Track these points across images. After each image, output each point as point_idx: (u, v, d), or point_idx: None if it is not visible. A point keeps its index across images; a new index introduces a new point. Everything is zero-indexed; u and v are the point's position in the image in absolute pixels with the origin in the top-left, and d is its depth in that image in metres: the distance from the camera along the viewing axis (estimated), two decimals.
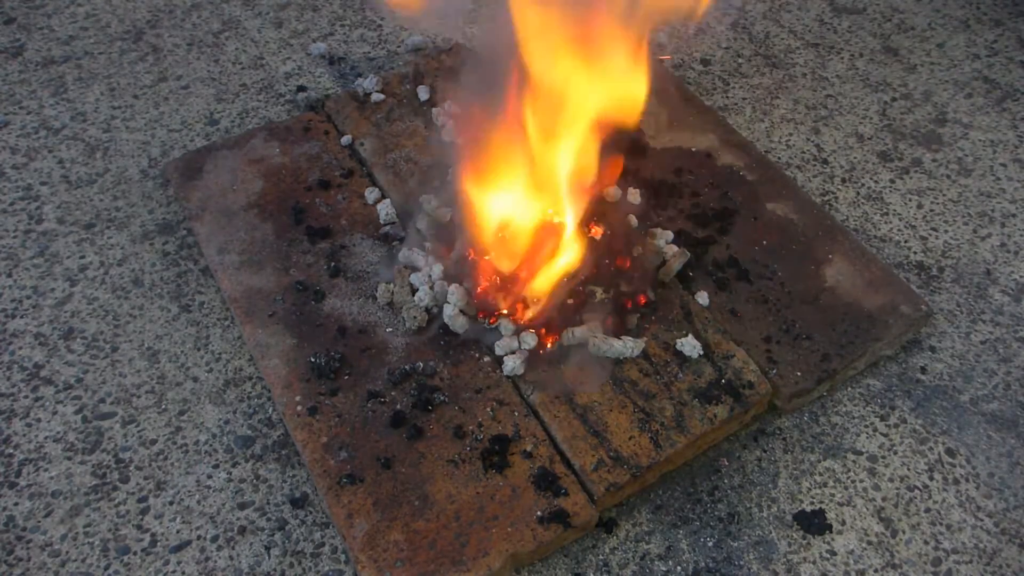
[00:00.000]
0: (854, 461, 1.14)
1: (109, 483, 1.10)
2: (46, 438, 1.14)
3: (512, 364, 1.13)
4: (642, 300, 1.21)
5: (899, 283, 1.27)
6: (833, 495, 1.11)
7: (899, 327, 1.22)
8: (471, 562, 0.97)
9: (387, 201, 1.35)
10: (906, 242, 1.40)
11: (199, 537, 1.05)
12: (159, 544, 1.05)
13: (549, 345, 1.16)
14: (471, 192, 1.14)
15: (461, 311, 1.17)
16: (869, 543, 1.06)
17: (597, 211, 1.24)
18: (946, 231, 1.42)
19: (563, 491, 1.03)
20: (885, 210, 1.45)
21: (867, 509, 1.09)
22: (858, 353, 1.19)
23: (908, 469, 1.13)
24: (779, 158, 1.52)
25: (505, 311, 1.16)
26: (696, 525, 1.07)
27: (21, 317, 1.26)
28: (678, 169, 1.40)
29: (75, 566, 1.02)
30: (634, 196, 1.33)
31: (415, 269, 1.24)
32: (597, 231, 1.22)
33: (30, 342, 1.23)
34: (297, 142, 1.45)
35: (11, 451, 1.12)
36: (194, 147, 1.50)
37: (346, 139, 1.46)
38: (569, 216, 1.17)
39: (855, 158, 1.53)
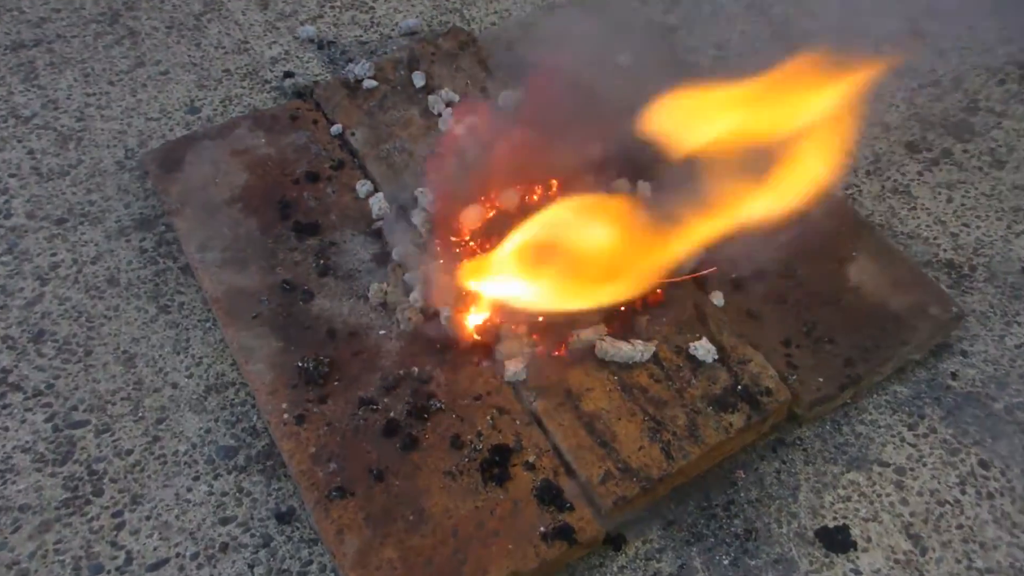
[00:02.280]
0: (880, 473, 1.13)
1: (82, 496, 1.09)
2: (14, 448, 1.13)
3: (513, 369, 1.13)
4: (653, 301, 1.21)
5: (928, 283, 1.27)
6: (858, 510, 1.10)
7: (928, 330, 1.21)
8: None
9: (380, 195, 1.34)
10: (935, 239, 1.39)
11: (178, 555, 1.05)
12: (135, 562, 1.04)
13: (553, 349, 1.16)
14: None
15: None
16: (896, 562, 1.06)
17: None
18: (978, 227, 1.41)
19: (568, 505, 1.03)
20: (913, 204, 1.44)
21: (894, 525, 1.09)
22: (884, 358, 1.18)
23: (938, 482, 1.13)
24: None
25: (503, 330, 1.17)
26: (711, 542, 1.06)
27: None
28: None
29: None
30: (645, 190, 1.33)
31: (410, 268, 1.24)
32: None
33: None
34: (284, 132, 1.44)
35: None
36: (173, 137, 1.49)
37: (336, 128, 1.46)
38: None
39: (880, 149, 1.53)
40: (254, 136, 1.43)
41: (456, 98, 1.50)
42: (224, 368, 1.21)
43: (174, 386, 1.20)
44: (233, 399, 1.19)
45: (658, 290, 1.21)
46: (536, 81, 1.33)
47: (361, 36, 1.69)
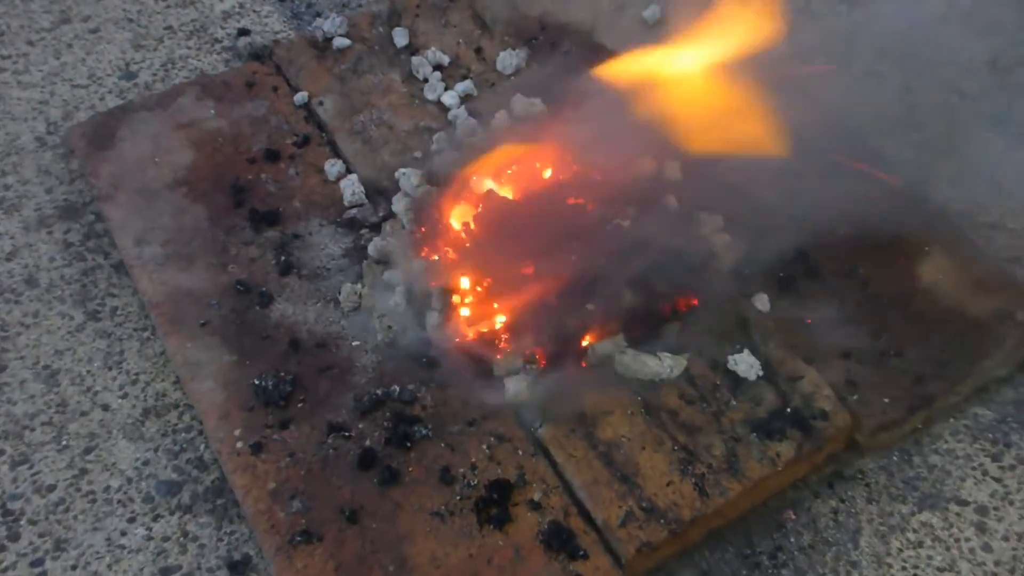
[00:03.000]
0: (958, 514, 1.13)
1: None
2: None
3: (515, 388, 1.12)
4: (684, 305, 1.20)
5: (1015, 283, 1.27)
6: (931, 558, 1.10)
7: (1015, 340, 1.21)
8: None
9: (354, 177, 1.34)
10: None
11: None
12: None
13: (563, 363, 1.16)
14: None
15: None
16: None
17: (628, 190, 1.24)
18: None
19: (581, 552, 1.02)
20: (996, 188, 1.43)
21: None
22: (962, 374, 1.18)
23: None
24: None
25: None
26: None
27: None
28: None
29: None
30: (673, 170, 1.32)
31: (390, 265, 1.23)
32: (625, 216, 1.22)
33: None
34: (238, 101, 1.44)
35: None
36: (105, 108, 1.49)
37: (301, 97, 1.45)
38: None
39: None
40: (202, 106, 1.43)
41: (445, 60, 1.50)
42: (165, 387, 1.21)
43: (105, 408, 1.19)
44: (176, 424, 1.18)
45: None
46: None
47: None
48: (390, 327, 1.18)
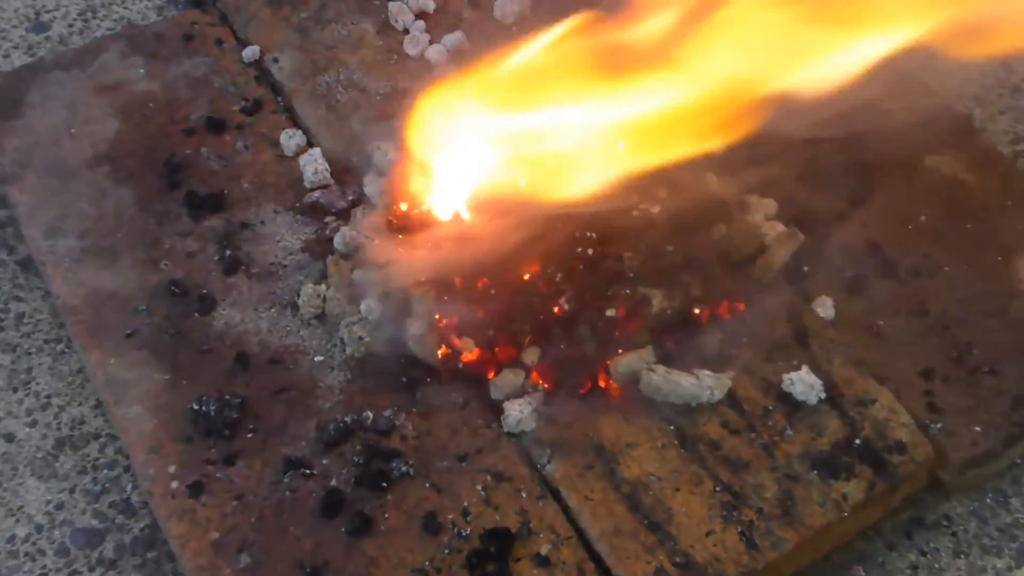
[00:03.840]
0: None
1: None
2: None
3: (517, 414, 1.12)
4: (728, 310, 1.21)
5: None
6: None
7: None
8: None
9: (316, 151, 1.34)
10: None
11: None
12: None
13: (577, 382, 1.16)
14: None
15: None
16: None
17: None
18: None
19: None
20: None
21: None
22: None
23: None
24: (944, 82, 1.51)
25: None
26: None
27: None
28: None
29: None
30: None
31: (361, 261, 1.22)
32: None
33: None
34: (173, 58, 1.44)
35: None
36: (10, 67, 1.50)
37: (251, 52, 1.45)
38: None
39: None
40: (129, 65, 1.43)
41: (431, 6, 1.49)
42: (83, 412, 1.21)
43: (8, 439, 1.19)
44: (97, 459, 1.18)
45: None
46: None
47: None
48: (361, 338, 1.17)
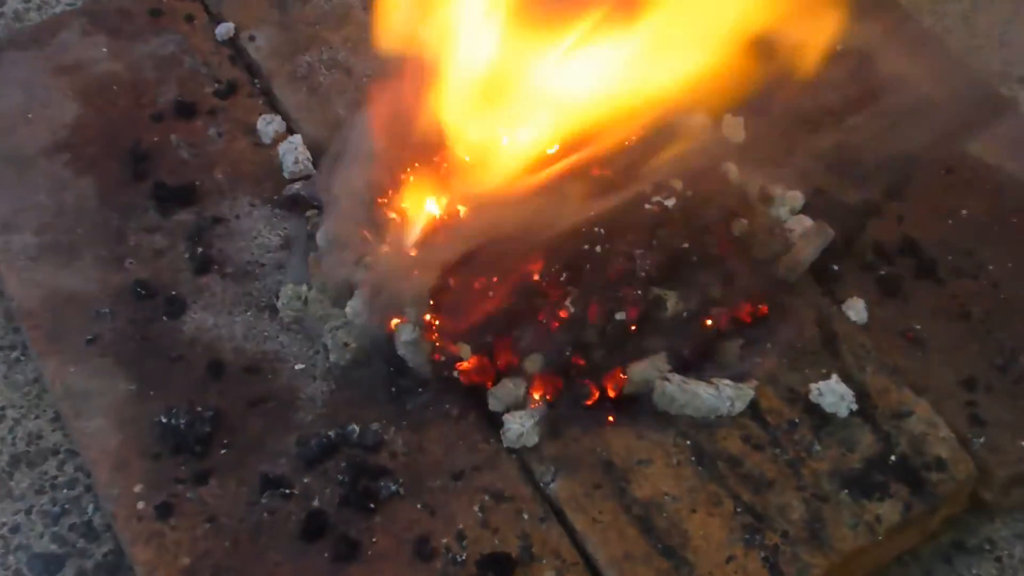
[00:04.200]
0: None
1: None
2: None
3: (518, 428, 1.12)
4: (750, 315, 1.20)
5: None
6: None
7: None
8: None
9: (297, 138, 1.34)
10: None
11: None
12: None
13: (583, 393, 1.15)
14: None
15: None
16: None
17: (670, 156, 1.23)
18: None
19: None
20: None
21: None
22: None
23: None
24: (988, 63, 1.51)
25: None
26: None
27: None
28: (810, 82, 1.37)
29: None
30: (734, 128, 1.32)
31: (346, 260, 1.22)
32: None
33: None
34: (140, 35, 1.44)
35: None
36: None
37: (225, 29, 1.46)
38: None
39: None
40: (90, 43, 1.43)
41: None
42: (41, 425, 1.21)
43: None
44: (56, 477, 1.18)
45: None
46: None
47: None
48: (347, 344, 1.17)
